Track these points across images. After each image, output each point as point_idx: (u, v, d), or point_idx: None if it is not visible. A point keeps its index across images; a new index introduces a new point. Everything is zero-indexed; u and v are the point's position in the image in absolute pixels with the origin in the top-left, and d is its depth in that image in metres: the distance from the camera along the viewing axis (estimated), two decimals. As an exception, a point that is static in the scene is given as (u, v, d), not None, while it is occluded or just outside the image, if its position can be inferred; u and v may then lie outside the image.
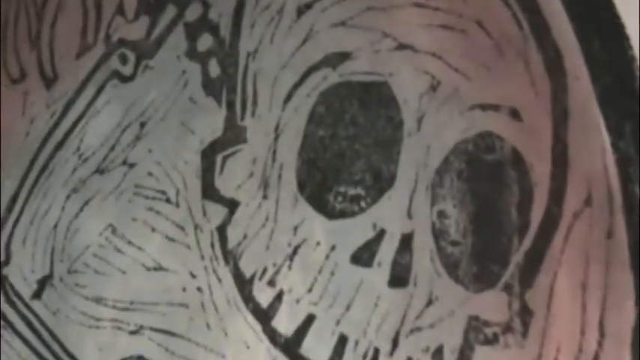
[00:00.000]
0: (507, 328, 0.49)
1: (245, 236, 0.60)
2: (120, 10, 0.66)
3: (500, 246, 0.50)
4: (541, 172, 0.48)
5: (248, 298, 0.59)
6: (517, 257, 0.49)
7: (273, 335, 0.58)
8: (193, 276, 0.61)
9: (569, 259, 0.47)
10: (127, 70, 0.66)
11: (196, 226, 0.62)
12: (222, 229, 0.60)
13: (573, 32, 0.44)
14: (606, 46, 0.42)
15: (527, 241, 0.49)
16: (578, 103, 0.45)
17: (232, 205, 0.60)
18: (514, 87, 0.48)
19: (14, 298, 0.70)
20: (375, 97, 0.55)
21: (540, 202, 0.48)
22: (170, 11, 0.63)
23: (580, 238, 0.46)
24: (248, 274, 0.59)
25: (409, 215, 0.53)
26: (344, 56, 0.56)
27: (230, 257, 0.60)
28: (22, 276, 0.70)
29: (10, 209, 0.71)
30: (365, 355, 0.54)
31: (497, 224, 0.50)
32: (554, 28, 0.45)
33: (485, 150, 0.50)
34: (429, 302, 0.52)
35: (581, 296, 0.46)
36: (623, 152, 0.43)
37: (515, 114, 0.49)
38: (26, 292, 0.69)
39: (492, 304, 0.50)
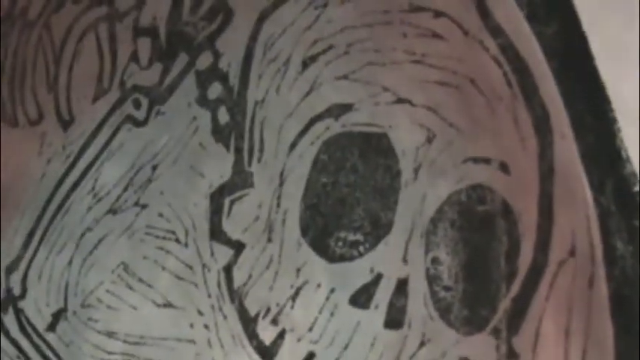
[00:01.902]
0: None
1: (250, 277, 0.61)
2: (134, 57, 0.68)
3: (489, 292, 0.51)
4: (528, 223, 0.49)
5: (252, 336, 0.60)
6: (505, 303, 0.50)
7: None
8: (200, 313, 0.63)
9: (553, 306, 0.48)
10: (140, 114, 0.67)
11: (204, 266, 0.63)
12: (228, 270, 0.62)
13: (559, 94, 0.46)
14: (590, 107, 0.45)
15: (515, 288, 0.50)
16: (563, 160, 0.47)
17: (238, 247, 0.62)
18: (504, 142, 0.50)
19: (29, 330, 0.72)
20: (375, 147, 0.56)
21: (527, 251, 0.49)
22: (182, 59, 0.65)
23: (564, 286, 0.48)
24: (252, 313, 0.60)
25: (405, 261, 0.55)
26: (346, 108, 0.57)
27: (236, 296, 0.61)
28: (37, 309, 0.71)
29: (26, 246, 0.73)
30: None
31: (486, 271, 0.51)
32: (542, 89, 0.47)
33: (476, 201, 0.52)
34: (422, 344, 0.54)
35: (564, 342, 0.47)
36: (604, 207, 0.45)
37: (504, 168, 0.51)
38: (41, 324, 0.71)
39: (481, 347, 0.51)
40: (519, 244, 0.50)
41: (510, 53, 0.49)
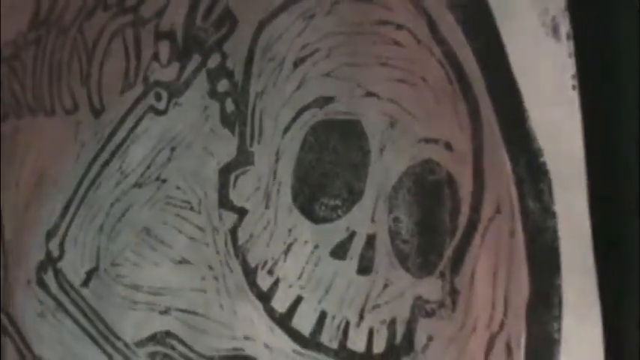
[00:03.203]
0: (441, 305, 0.59)
1: (251, 236, 0.67)
2: (156, 57, 0.74)
3: (437, 244, 0.59)
4: (466, 190, 0.58)
5: (252, 284, 0.67)
6: (448, 252, 0.59)
7: (271, 312, 0.66)
8: (211, 268, 0.69)
9: (485, 252, 0.57)
10: (161, 105, 0.73)
11: (214, 229, 0.69)
12: (233, 231, 0.68)
13: (486, 91, 0.56)
14: (508, 101, 0.54)
15: (456, 240, 0.58)
16: (490, 141, 0.56)
17: (242, 213, 0.68)
18: (447, 127, 0.59)
19: (67, 287, 0.78)
20: (350, 131, 0.63)
21: (465, 211, 0.58)
22: (195, 59, 0.72)
23: (492, 237, 0.57)
24: (253, 265, 0.67)
25: (373, 220, 0.62)
26: (328, 100, 0.64)
27: (239, 252, 0.68)
28: (74, 268, 0.78)
29: (63, 215, 0.79)
30: (339, 326, 0.63)
31: (435, 227, 0.60)
32: (474, 86, 0.57)
33: (428, 172, 0.60)
34: (386, 286, 0.61)
35: (493, 280, 0.56)
36: (519, 176, 0.54)
37: (448, 146, 0.59)
38: (76, 281, 0.78)
39: (431, 287, 0.59)
40: (459, 206, 0.59)
41: (451, 58, 0.58)
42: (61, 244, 0.79)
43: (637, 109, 0.53)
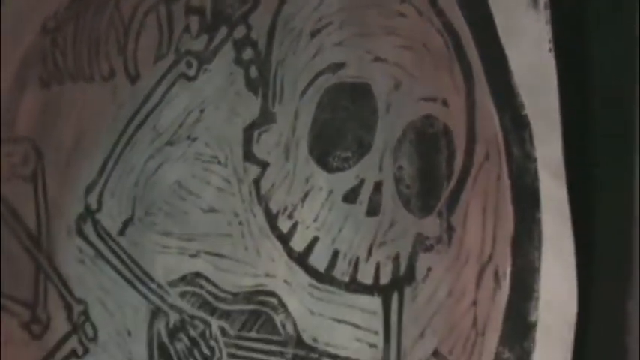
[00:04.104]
0: (439, 240, 0.62)
1: (273, 185, 0.71)
2: (186, 30, 0.77)
3: (435, 187, 0.62)
4: (460, 140, 0.61)
5: (274, 227, 0.70)
6: (445, 194, 0.62)
7: (290, 252, 0.70)
8: (236, 215, 0.72)
9: (476, 194, 0.60)
10: (191, 72, 0.75)
11: (239, 180, 0.72)
12: (257, 182, 0.72)
13: (478, 55, 0.59)
14: (495, 63, 0.58)
15: (452, 184, 0.61)
16: (480, 97, 0.59)
17: (264, 165, 0.71)
18: (444, 86, 0.61)
19: (105, 236, 0.82)
20: (360, 92, 0.66)
21: (459, 158, 0.61)
22: (222, 31, 0.74)
23: (483, 180, 0.59)
24: (274, 211, 0.71)
25: (380, 169, 0.65)
26: (341, 65, 0.67)
27: (262, 200, 0.71)
28: (111, 219, 0.82)
29: (101, 171, 0.83)
30: (350, 262, 0.66)
31: (433, 173, 0.63)
32: (468, 53, 0.59)
33: (427, 126, 0.63)
34: (391, 225, 0.65)
35: (482, 217, 0.59)
36: (505, 126, 0.57)
37: (445, 103, 0.62)
38: (114, 230, 0.81)
39: (430, 225, 0.63)
40: (455, 154, 0.61)
41: (449, 28, 0.61)
42: (99, 198, 0.82)
43: (600, 65, 0.58)
